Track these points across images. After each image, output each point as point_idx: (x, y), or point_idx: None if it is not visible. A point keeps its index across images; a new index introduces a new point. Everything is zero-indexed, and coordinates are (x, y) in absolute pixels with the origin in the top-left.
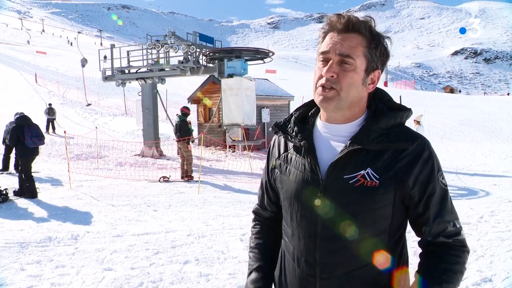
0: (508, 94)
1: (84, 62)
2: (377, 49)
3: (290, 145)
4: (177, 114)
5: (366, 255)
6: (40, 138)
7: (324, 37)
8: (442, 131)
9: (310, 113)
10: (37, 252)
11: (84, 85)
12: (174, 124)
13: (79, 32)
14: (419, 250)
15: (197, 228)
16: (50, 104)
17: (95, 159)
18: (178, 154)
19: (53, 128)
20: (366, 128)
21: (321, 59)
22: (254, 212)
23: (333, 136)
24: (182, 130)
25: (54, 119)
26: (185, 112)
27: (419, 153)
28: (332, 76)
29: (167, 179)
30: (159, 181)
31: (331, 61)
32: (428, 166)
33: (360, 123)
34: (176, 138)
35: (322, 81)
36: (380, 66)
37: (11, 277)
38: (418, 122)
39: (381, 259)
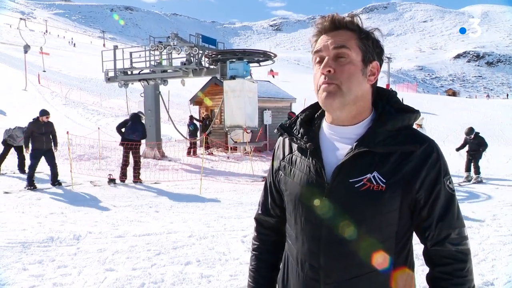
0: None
1: (26, 48)
2: (368, 39)
3: (295, 147)
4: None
5: (371, 261)
6: (133, 132)
7: (316, 42)
8: (444, 134)
9: (316, 115)
10: (39, 252)
11: (25, 69)
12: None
13: (21, 19)
14: (422, 254)
15: (199, 230)
16: None
17: (97, 160)
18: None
19: None
20: (373, 130)
21: (317, 60)
22: (256, 220)
23: (339, 138)
24: None
25: None
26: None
27: (427, 156)
28: (329, 71)
29: None
30: None
31: (326, 58)
32: (435, 169)
33: (366, 124)
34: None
35: (322, 78)
36: (377, 58)
37: (14, 277)
38: (420, 125)
39: (387, 265)
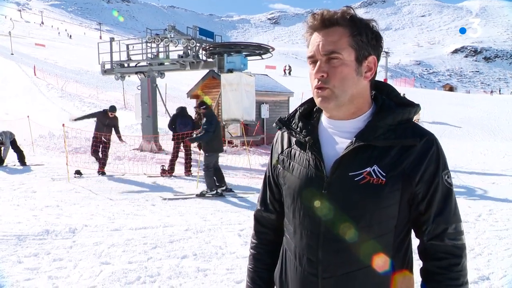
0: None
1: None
2: (362, 35)
3: (294, 140)
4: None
5: (369, 255)
6: (185, 126)
7: (309, 41)
8: (441, 129)
9: (315, 109)
10: (35, 245)
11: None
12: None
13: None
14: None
15: (195, 223)
16: None
17: None
18: None
19: None
20: (373, 124)
21: (310, 63)
22: (255, 216)
23: (338, 132)
24: None
25: None
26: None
27: (426, 150)
28: (322, 76)
29: None
30: None
31: (318, 62)
32: (434, 163)
33: (366, 118)
34: None
35: (315, 82)
36: (373, 51)
37: (8, 270)
38: (417, 120)
39: (385, 260)
